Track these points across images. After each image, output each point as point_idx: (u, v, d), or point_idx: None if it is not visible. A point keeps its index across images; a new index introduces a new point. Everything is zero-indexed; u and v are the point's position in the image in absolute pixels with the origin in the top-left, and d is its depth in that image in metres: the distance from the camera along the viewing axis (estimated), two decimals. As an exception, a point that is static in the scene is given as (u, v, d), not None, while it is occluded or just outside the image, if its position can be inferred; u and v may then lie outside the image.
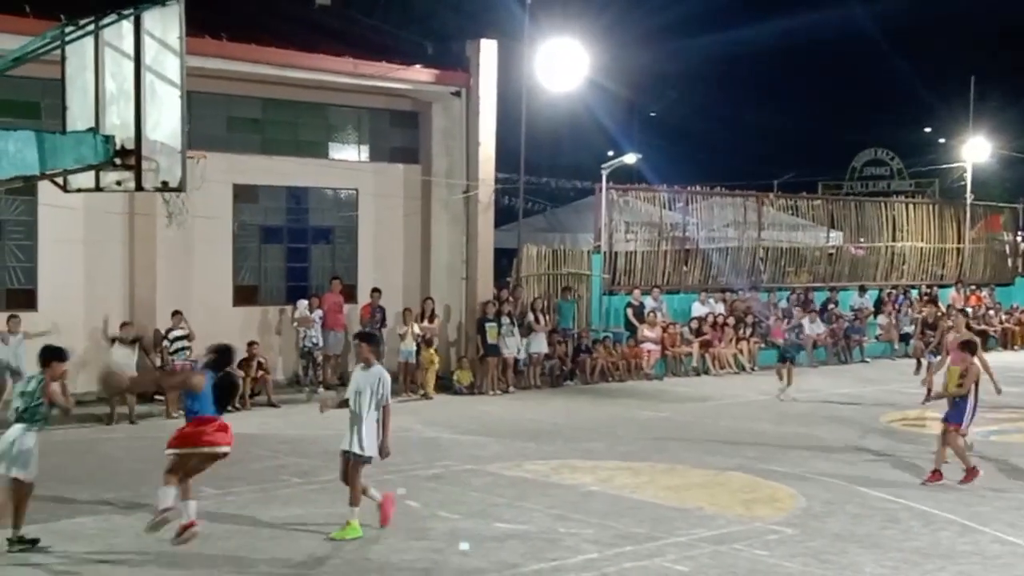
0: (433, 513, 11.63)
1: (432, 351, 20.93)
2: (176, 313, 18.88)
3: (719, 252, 27.83)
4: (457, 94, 22.38)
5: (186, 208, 14.56)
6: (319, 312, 20.76)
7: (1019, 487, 13.24)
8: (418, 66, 21.84)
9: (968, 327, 15.24)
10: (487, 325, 21.42)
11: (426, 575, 9.62)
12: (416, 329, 20.79)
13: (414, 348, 20.66)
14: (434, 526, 11.12)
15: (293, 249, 21.96)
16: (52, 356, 10.37)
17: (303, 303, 20.73)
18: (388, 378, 10.97)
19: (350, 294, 22.02)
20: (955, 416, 13.43)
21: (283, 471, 13.64)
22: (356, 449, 10.70)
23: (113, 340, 17.81)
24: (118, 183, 10.37)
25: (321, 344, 20.69)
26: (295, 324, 20.69)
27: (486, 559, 10.03)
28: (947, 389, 14.14)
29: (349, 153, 22.78)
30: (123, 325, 18.22)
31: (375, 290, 21.56)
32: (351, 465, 10.75)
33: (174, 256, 19.88)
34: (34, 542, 10.13)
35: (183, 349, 18.65)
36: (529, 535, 10.83)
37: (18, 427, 10.07)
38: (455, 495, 12.48)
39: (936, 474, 13.20)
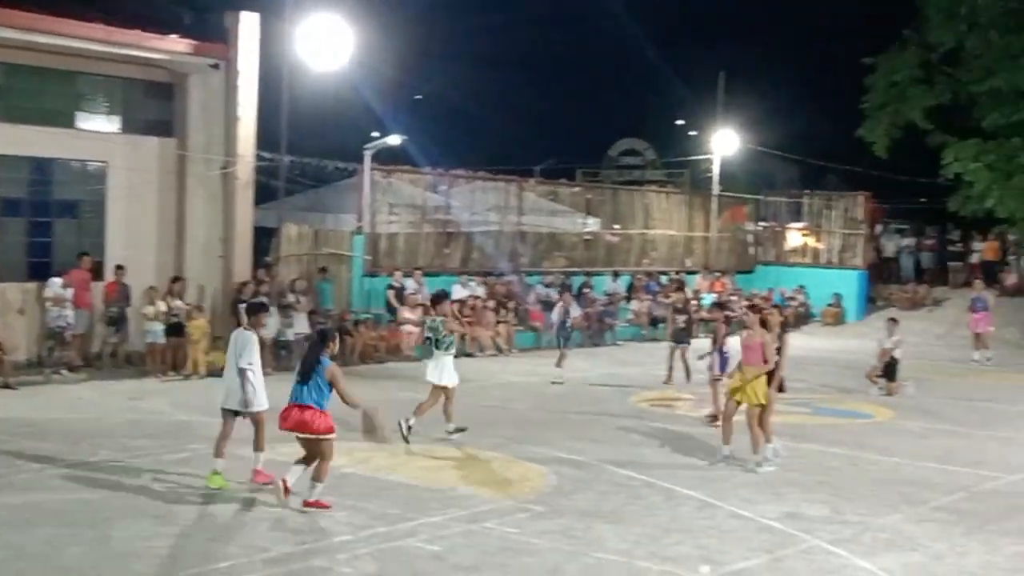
0: (180, 498, 11.32)
1: (202, 322, 20.26)
2: None
3: (481, 235, 28.16)
4: (216, 67, 21.76)
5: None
6: (71, 290, 19.74)
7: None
8: (174, 36, 21.09)
9: (763, 323, 13.75)
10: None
11: (171, 561, 9.33)
12: (162, 307, 20.08)
13: (161, 328, 19.96)
14: (181, 511, 10.81)
15: (35, 223, 20.77)
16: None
17: (56, 281, 19.58)
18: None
19: (97, 271, 21.05)
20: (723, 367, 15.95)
21: (20, 456, 12.95)
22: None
23: None
24: None
25: (73, 324, 19.69)
26: (48, 304, 19.54)
27: (235, 543, 9.82)
28: (753, 398, 13.42)
29: (99, 124, 21.67)
30: None
31: (119, 267, 20.72)
32: None
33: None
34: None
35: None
36: (281, 518, 10.68)
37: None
38: (204, 479, 12.15)
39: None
